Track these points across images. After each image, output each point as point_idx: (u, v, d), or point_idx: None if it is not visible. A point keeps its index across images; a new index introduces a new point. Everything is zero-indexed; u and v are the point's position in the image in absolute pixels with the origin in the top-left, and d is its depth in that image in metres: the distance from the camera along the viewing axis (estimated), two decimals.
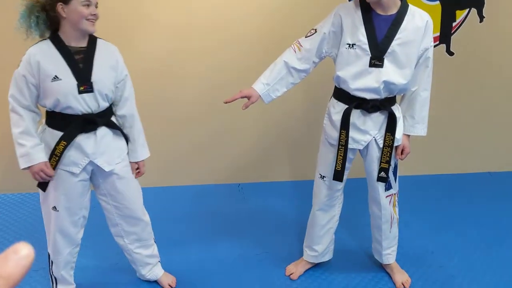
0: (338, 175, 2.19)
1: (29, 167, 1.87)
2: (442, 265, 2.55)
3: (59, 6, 1.79)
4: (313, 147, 3.22)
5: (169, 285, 2.35)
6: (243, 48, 3.28)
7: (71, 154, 1.93)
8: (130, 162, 2.12)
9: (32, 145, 1.86)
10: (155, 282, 2.36)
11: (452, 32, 3.45)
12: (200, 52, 3.26)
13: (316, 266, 2.52)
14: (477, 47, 3.49)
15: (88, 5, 1.82)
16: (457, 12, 3.40)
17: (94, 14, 1.85)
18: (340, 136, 2.12)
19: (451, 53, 3.49)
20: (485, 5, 3.39)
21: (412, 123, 2.18)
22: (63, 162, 1.92)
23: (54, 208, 1.99)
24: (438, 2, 3.36)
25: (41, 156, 1.87)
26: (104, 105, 1.95)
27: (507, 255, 2.63)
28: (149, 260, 2.29)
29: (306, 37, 2.12)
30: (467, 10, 3.41)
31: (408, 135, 2.21)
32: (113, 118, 2.04)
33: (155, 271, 2.33)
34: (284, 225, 2.97)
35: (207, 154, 3.50)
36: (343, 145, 2.13)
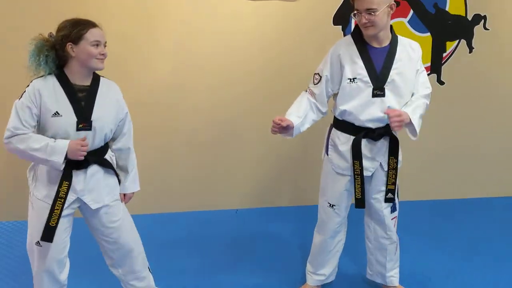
0: (359, 203, 2.24)
1: (65, 156, 1.82)
2: None
3: (69, 46, 1.84)
4: (311, 172, 3.27)
5: None
6: (240, 76, 3.38)
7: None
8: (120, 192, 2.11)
9: (50, 140, 1.83)
10: None
11: (442, 62, 3.59)
12: (201, 81, 3.34)
13: None
14: (466, 76, 3.62)
15: (97, 45, 1.87)
16: (448, 43, 3.55)
17: (103, 54, 1.90)
18: (354, 166, 2.17)
19: (441, 83, 3.61)
20: (474, 36, 3.54)
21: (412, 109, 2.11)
22: (49, 196, 1.90)
23: (38, 243, 1.94)
24: (429, 34, 3.51)
25: (65, 141, 1.83)
26: (99, 144, 1.97)
27: (508, 280, 2.65)
28: None
29: (314, 84, 2.20)
30: (457, 41, 3.56)
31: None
32: (108, 155, 2.04)
33: None
34: (284, 251, 2.96)
35: (203, 180, 3.52)
36: (358, 174, 2.18)
